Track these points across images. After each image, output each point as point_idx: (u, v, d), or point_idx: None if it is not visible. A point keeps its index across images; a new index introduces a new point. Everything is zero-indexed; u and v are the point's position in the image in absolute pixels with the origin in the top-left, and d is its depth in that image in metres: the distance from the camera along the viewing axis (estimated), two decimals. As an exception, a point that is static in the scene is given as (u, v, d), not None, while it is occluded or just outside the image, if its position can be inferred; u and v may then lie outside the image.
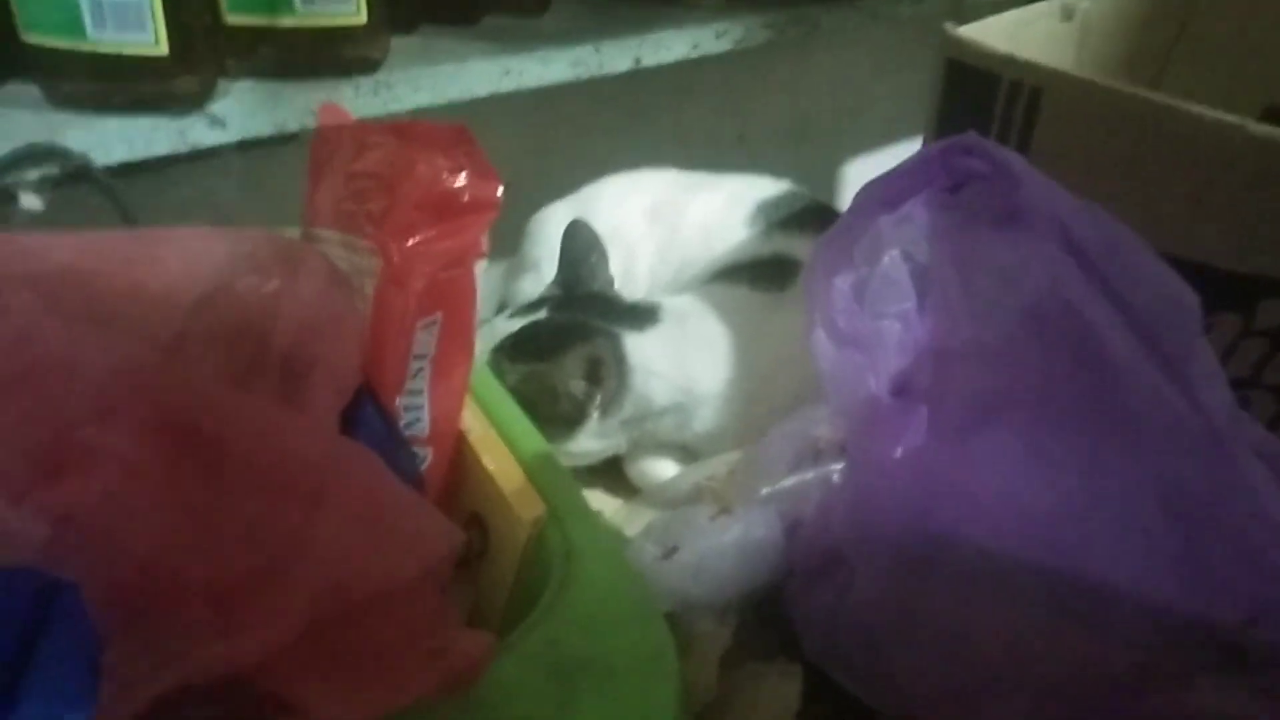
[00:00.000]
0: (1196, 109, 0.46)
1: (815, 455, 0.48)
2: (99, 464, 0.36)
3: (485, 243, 0.49)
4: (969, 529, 0.33)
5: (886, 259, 0.39)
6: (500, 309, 0.83)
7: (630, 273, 0.77)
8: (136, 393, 0.37)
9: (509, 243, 0.85)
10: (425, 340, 0.47)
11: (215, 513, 0.35)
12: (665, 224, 0.78)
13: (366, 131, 0.50)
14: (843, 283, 0.39)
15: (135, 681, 0.31)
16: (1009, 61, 0.52)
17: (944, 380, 0.34)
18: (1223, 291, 0.48)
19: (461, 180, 0.46)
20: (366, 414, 0.45)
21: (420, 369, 0.47)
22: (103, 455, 0.36)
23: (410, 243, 0.46)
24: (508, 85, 0.80)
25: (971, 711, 0.35)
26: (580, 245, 0.69)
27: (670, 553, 0.45)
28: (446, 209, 0.46)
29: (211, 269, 0.48)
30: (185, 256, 0.49)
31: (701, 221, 0.77)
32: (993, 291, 0.33)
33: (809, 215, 0.76)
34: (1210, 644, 0.31)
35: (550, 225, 0.80)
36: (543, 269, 0.78)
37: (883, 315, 0.40)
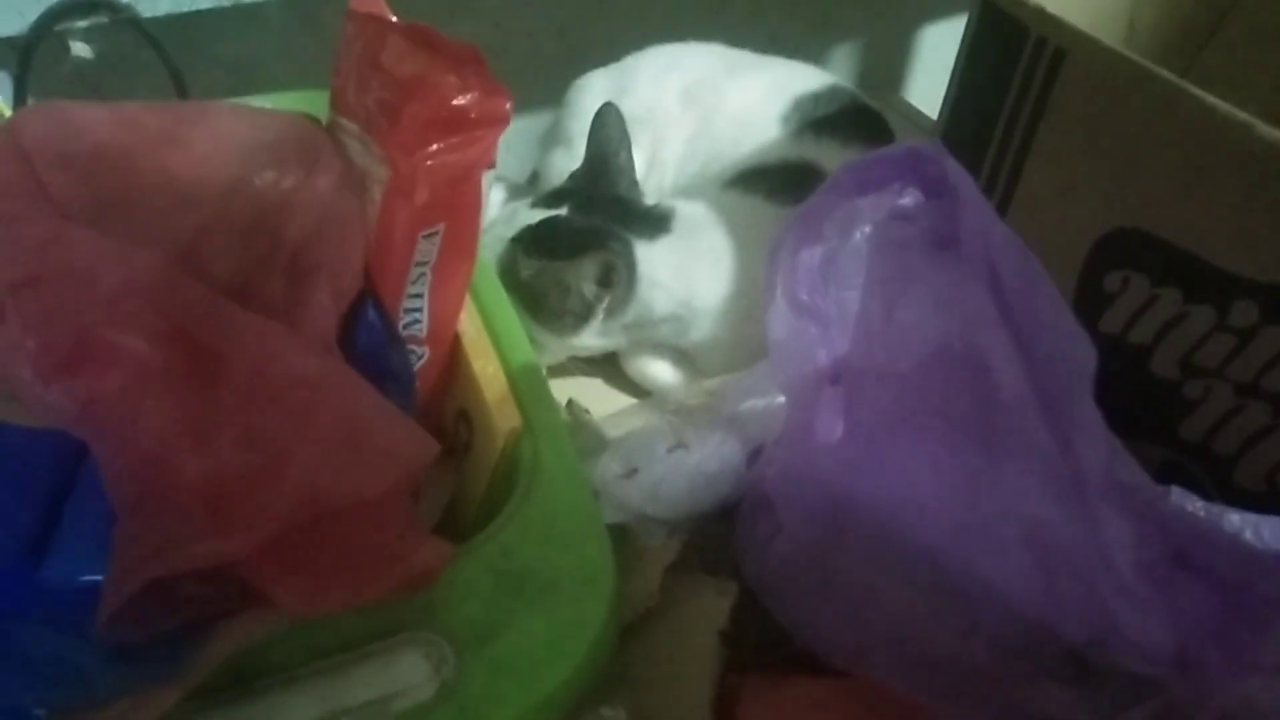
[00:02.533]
0: (1208, 99, 0.46)
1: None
2: (115, 362, 0.40)
3: (494, 154, 0.51)
4: (871, 516, 0.37)
5: (858, 234, 0.41)
6: (532, 178, 0.85)
7: (657, 158, 0.77)
8: (151, 303, 0.41)
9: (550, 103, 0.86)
10: (427, 249, 0.50)
11: (213, 418, 0.40)
12: (700, 109, 0.78)
13: (387, 29, 0.51)
14: (809, 256, 0.41)
15: (136, 564, 0.36)
16: (1039, 14, 0.51)
17: (859, 389, 0.37)
18: (1203, 283, 0.48)
19: (469, 99, 0.47)
20: (368, 315, 0.49)
21: (421, 274, 0.50)
22: (119, 354, 0.40)
23: (416, 156, 0.48)
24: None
25: (863, 663, 0.40)
26: (608, 138, 0.69)
27: (631, 473, 0.49)
28: (454, 125, 0.48)
29: (236, 156, 0.51)
30: (213, 140, 0.52)
31: (736, 112, 0.77)
32: (912, 321, 0.35)
33: (846, 117, 0.76)
34: (1059, 655, 0.34)
35: (587, 97, 0.81)
36: (575, 144, 0.79)
37: (847, 287, 0.42)
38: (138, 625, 0.37)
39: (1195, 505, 0.38)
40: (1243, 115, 0.45)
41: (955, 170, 0.35)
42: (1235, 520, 0.37)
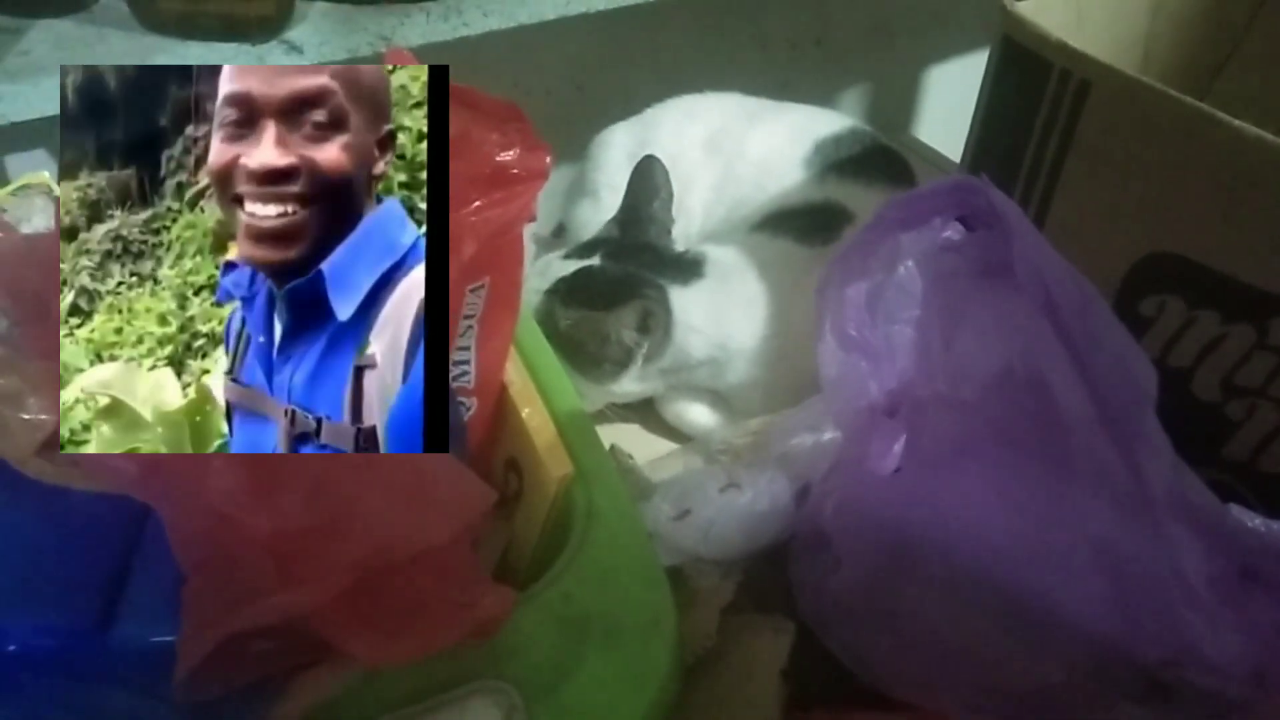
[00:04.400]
0: (1237, 123, 0.47)
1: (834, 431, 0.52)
2: (182, 423, 0.41)
3: (534, 208, 0.52)
4: (936, 546, 0.37)
5: (902, 269, 0.42)
6: (558, 230, 0.87)
7: (683, 205, 0.79)
8: (213, 362, 0.42)
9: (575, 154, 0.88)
10: (474, 302, 0.51)
11: (279, 475, 0.40)
12: (723, 157, 0.80)
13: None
14: (856, 293, 0.42)
15: (209, 621, 0.37)
16: (1062, 49, 0.52)
17: (920, 419, 0.37)
18: (1241, 303, 0.49)
19: (511, 155, 0.49)
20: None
21: (469, 327, 0.51)
22: (185, 415, 0.41)
23: (461, 213, 0.49)
24: (575, 9, 0.80)
25: (929, 695, 0.40)
26: (647, 188, 0.71)
27: (683, 515, 0.49)
28: (496, 181, 0.49)
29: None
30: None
31: (758, 158, 0.78)
32: (971, 349, 0.36)
33: (867, 158, 0.77)
34: (1133, 675, 0.35)
35: (610, 150, 0.83)
36: (601, 195, 0.81)
37: (895, 320, 0.43)
38: (213, 682, 0.37)
39: (1255, 521, 0.38)
40: (1268, 136, 0.46)
41: (1002, 200, 0.36)
42: (1297, 535, 0.38)
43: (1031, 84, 0.54)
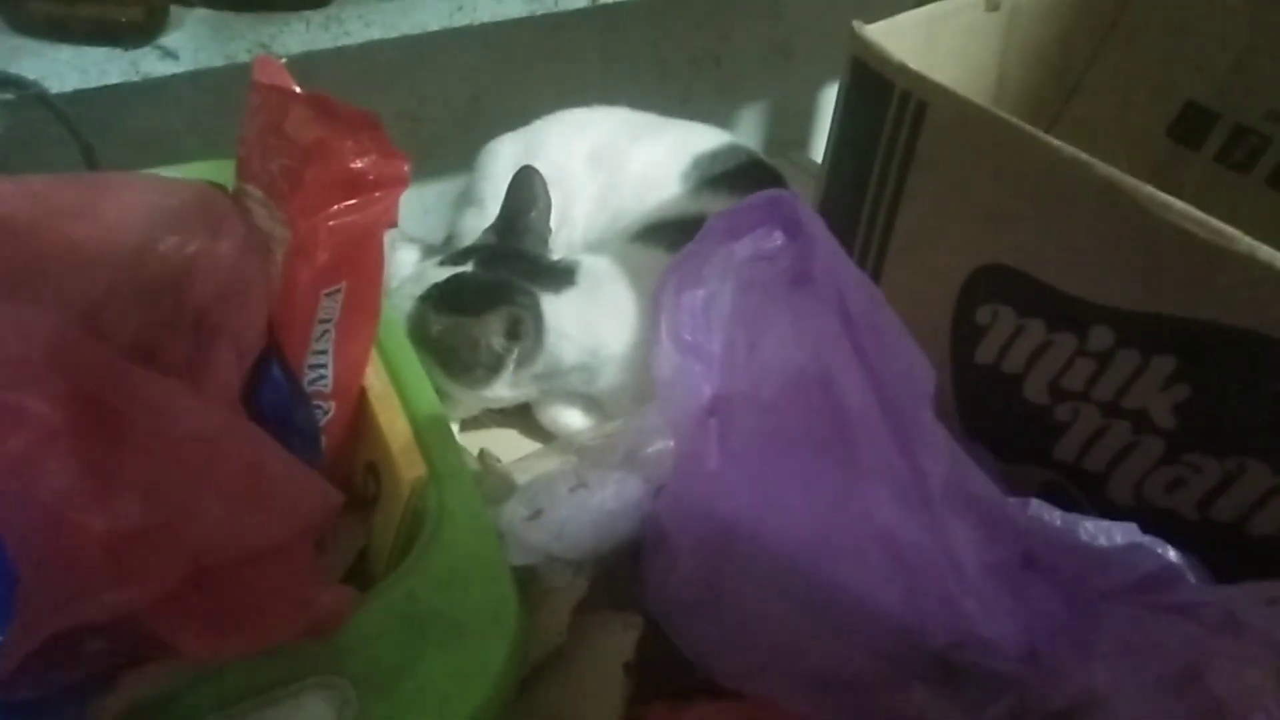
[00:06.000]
0: (1056, 143, 0.50)
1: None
2: (17, 423, 0.41)
3: (395, 214, 0.53)
4: (749, 539, 0.39)
5: (734, 277, 0.44)
6: (447, 238, 0.88)
7: (567, 216, 0.80)
8: (52, 364, 0.42)
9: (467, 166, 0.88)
10: (330, 306, 0.52)
11: (116, 475, 0.41)
12: (605, 170, 0.82)
13: (289, 99, 0.53)
14: (691, 298, 0.43)
15: (38, 618, 0.37)
16: (902, 70, 0.55)
17: (730, 417, 0.39)
18: (1063, 312, 0.52)
19: (366, 162, 0.50)
20: (272, 373, 0.50)
21: (325, 331, 0.52)
22: (20, 416, 0.41)
23: (316, 218, 0.49)
24: (460, 20, 0.81)
25: (757, 684, 0.42)
26: (524, 197, 0.72)
27: (536, 514, 0.50)
28: (352, 187, 0.50)
29: (140, 224, 0.52)
30: (117, 209, 0.53)
31: (640, 171, 0.80)
32: (771, 353, 0.38)
33: (742, 173, 0.80)
34: (925, 659, 0.37)
35: (497, 160, 0.84)
36: (486, 205, 0.82)
37: (723, 329, 0.44)
38: (40, 681, 0.37)
39: (1052, 515, 0.41)
40: (1084, 156, 0.49)
41: (807, 214, 0.38)
42: (1090, 527, 0.40)
43: (876, 104, 0.57)
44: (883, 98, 0.56)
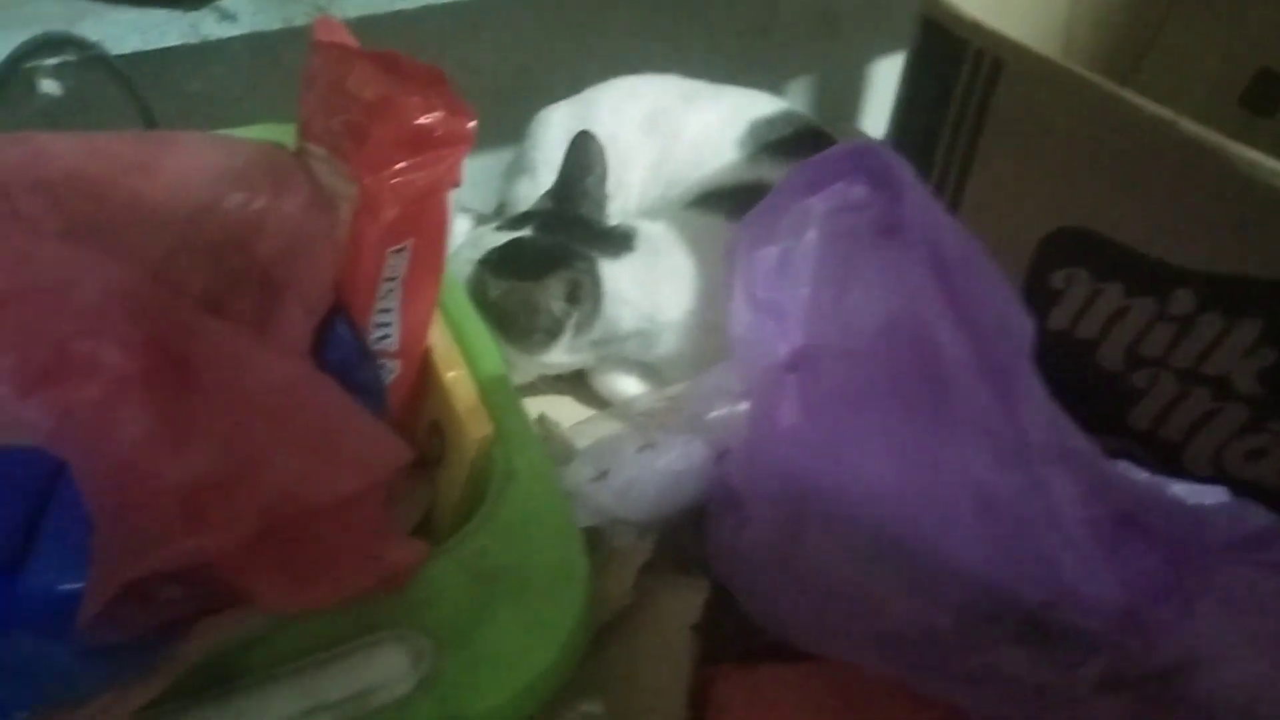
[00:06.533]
0: (1139, 100, 0.48)
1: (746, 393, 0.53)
2: (93, 373, 0.41)
3: (459, 173, 0.53)
4: (834, 495, 0.38)
5: (810, 233, 0.43)
6: (499, 207, 0.87)
7: (622, 182, 0.79)
8: (126, 313, 0.42)
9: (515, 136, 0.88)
10: (396, 264, 0.51)
11: (189, 425, 0.41)
12: (660, 136, 0.81)
13: (353, 56, 0.53)
14: (766, 255, 0.43)
15: (115, 566, 0.37)
16: (976, 29, 0.54)
17: (815, 371, 0.39)
18: (1143, 276, 0.51)
19: (434, 118, 0.49)
20: (338, 329, 0.50)
21: (391, 289, 0.52)
22: (96, 366, 0.41)
23: (383, 175, 0.49)
24: (513, -17, 0.81)
25: (832, 645, 0.41)
26: (581, 162, 0.72)
27: (601, 475, 0.50)
28: (420, 144, 0.49)
29: (205, 180, 0.52)
30: (182, 166, 0.53)
31: (695, 138, 0.79)
32: (861, 302, 0.37)
33: (799, 140, 0.78)
34: (1015, 617, 0.36)
35: (549, 128, 0.83)
36: (539, 173, 0.81)
37: (803, 284, 0.44)
38: (118, 627, 0.37)
39: (1140, 475, 0.40)
40: (1168, 113, 0.48)
41: (896, 162, 0.38)
42: (1178, 489, 0.39)
43: (948, 63, 0.56)
44: (955, 57, 0.55)
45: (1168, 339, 0.51)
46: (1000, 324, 0.35)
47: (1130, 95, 0.49)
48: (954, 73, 0.56)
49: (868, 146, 0.39)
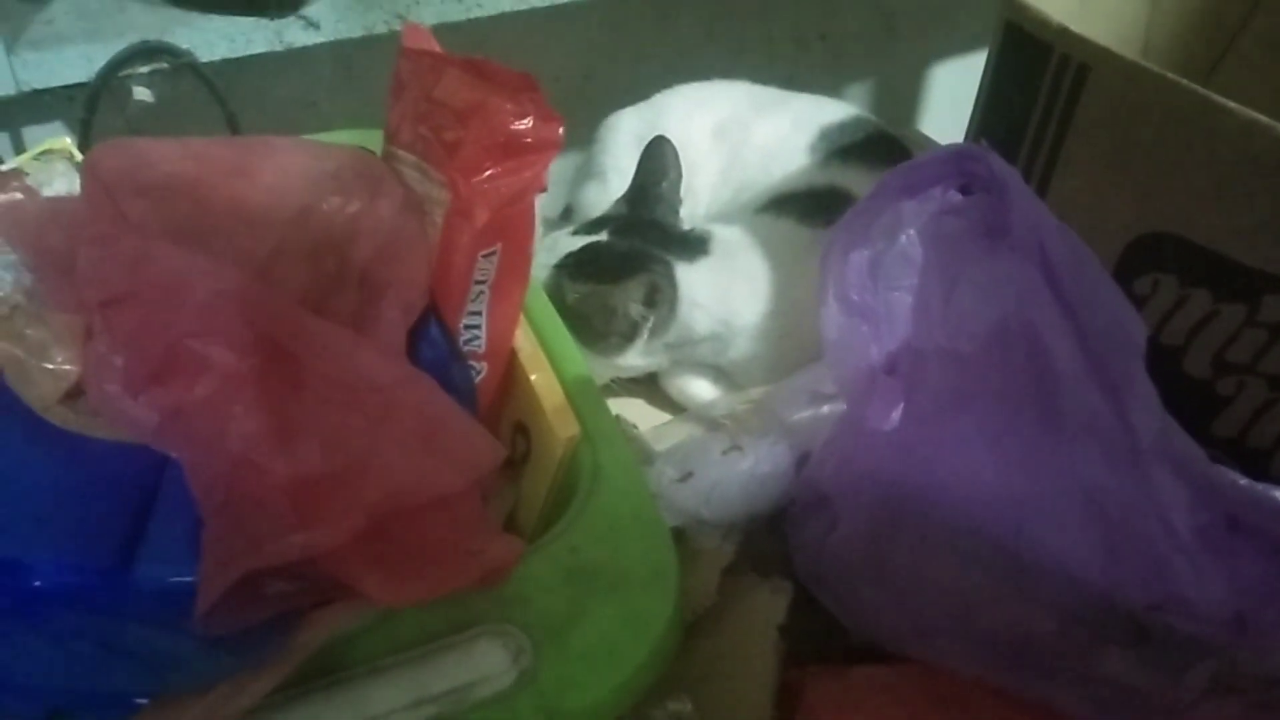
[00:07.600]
0: (1231, 105, 0.48)
1: (830, 396, 0.53)
2: (203, 371, 0.43)
3: (545, 178, 0.53)
4: (931, 498, 0.38)
5: (904, 237, 0.43)
6: (565, 212, 0.88)
7: (691, 187, 0.80)
8: (235, 313, 0.43)
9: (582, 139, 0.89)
10: (485, 267, 0.52)
11: (298, 422, 0.42)
12: (729, 142, 0.81)
13: (444, 63, 0.54)
14: (859, 258, 0.43)
15: (228, 561, 0.38)
16: (1062, 33, 0.54)
17: (919, 373, 0.39)
18: (1232, 282, 0.50)
19: (526, 124, 0.50)
20: (431, 331, 0.51)
21: (480, 293, 0.53)
22: (206, 364, 0.43)
23: (476, 180, 0.50)
24: (583, -5, 0.82)
25: (924, 647, 0.41)
26: (656, 167, 0.72)
27: (686, 477, 0.50)
28: (511, 150, 0.50)
29: (302, 185, 0.54)
30: (279, 170, 0.54)
31: (765, 143, 0.80)
32: (969, 305, 0.37)
33: (870, 145, 0.79)
34: (1120, 621, 0.36)
35: (619, 133, 0.84)
36: (608, 178, 0.82)
37: (896, 287, 0.44)
38: (231, 618, 0.38)
39: (1241, 480, 0.40)
40: (1261, 117, 0.47)
41: (1001, 165, 0.38)
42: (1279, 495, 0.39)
43: (1032, 67, 0.56)
44: (1039, 61, 0.55)
45: (1257, 345, 0.50)
46: (1112, 326, 0.35)
47: (1223, 101, 0.48)
48: (1038, 77, 0.55)
49: (972, 149, 0.39)
